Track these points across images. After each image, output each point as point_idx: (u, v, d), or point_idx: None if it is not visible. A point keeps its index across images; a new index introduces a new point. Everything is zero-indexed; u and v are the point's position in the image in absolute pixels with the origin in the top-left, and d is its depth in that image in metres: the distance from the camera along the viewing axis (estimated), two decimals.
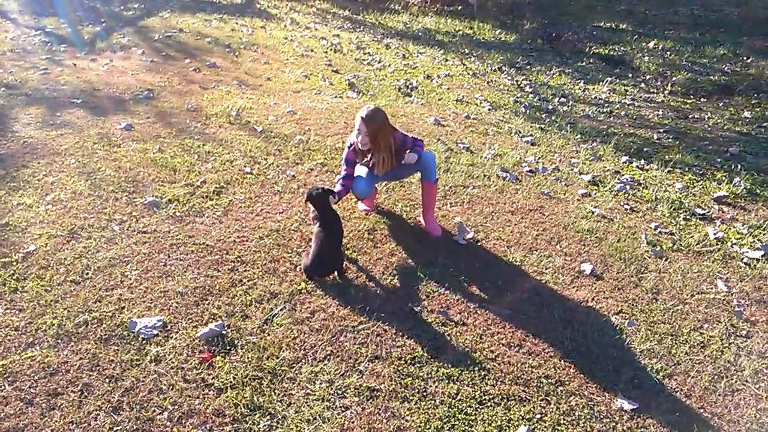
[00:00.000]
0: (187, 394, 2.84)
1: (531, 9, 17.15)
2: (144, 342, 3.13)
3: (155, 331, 3.20)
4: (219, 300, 3.53)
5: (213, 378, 2.95)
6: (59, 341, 3.09)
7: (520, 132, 7.40)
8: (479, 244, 4.48)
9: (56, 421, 2.62)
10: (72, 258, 3.77)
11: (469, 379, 3.11)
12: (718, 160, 6.92)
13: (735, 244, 4.83)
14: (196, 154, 5.50)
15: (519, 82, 10.46)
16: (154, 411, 2.73)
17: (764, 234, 5.00)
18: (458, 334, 3.45)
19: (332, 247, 3.82)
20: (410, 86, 9.12)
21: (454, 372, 3.15)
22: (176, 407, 2.77)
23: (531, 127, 7.74)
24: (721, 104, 9.81)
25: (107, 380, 2.88)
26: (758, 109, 9.34)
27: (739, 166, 6.61)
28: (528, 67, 11.83)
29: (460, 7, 17.21)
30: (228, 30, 11.83)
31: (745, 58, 12.00)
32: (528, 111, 8.57)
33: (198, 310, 3.43)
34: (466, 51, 12.82)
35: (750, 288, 4.24)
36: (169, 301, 3.47)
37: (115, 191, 4.66)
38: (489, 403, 2.97)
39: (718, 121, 8.80)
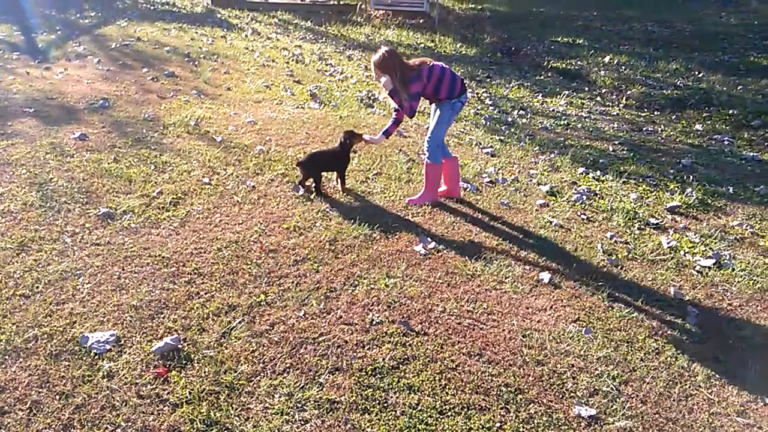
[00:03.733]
0: (141, 410, 2.76)
1: (491, 23, 17.46)
2: (96, 357, 3.04)
3: (108, 346, 3.11)
4: (175, 313, 3.45)
5: (168, 393, 2.88)
6: (7, 357, 2.97)
7: (480, 143, 7.49)
8: (440, 254, 4.50)
9: None
10: (21, 271, 3.65)
11: (429, 389, 3.11)
12: (671, 171, 7.12)
13: (687, 252, 4.96)
14: (152, 165, 5.40)
15: (479, 95, 10.61)
16: (107, 428, 2.65)
17: (715, 243, 5.16)
18: (419, 344, 3.45)
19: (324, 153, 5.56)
20: (372, 97, 9.14)
21: (415, 382, 3.14)
22: (130, 424, 2.68)
23: (491, 138, 7.84)
24: (673, 117, 10.11)
25: (57, 397, 2.78)
26: (709, 122, 9.66)
27: (691, 177, 6.81)
28: (488, 80, 12.00)
29: (421, 20, 17.39)
30: (188, 39, 11.70)
31: (696, 72, 12.41)
32: (488, 123, 8.69)
33: (153, 323, 3.35)
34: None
35: (702, 295, 4.36)
36: (122, 314, 3.38)
37: (67, 202, 4.54)
38: (450, 413, 2.97)
39: (671, 133, 9.06)
